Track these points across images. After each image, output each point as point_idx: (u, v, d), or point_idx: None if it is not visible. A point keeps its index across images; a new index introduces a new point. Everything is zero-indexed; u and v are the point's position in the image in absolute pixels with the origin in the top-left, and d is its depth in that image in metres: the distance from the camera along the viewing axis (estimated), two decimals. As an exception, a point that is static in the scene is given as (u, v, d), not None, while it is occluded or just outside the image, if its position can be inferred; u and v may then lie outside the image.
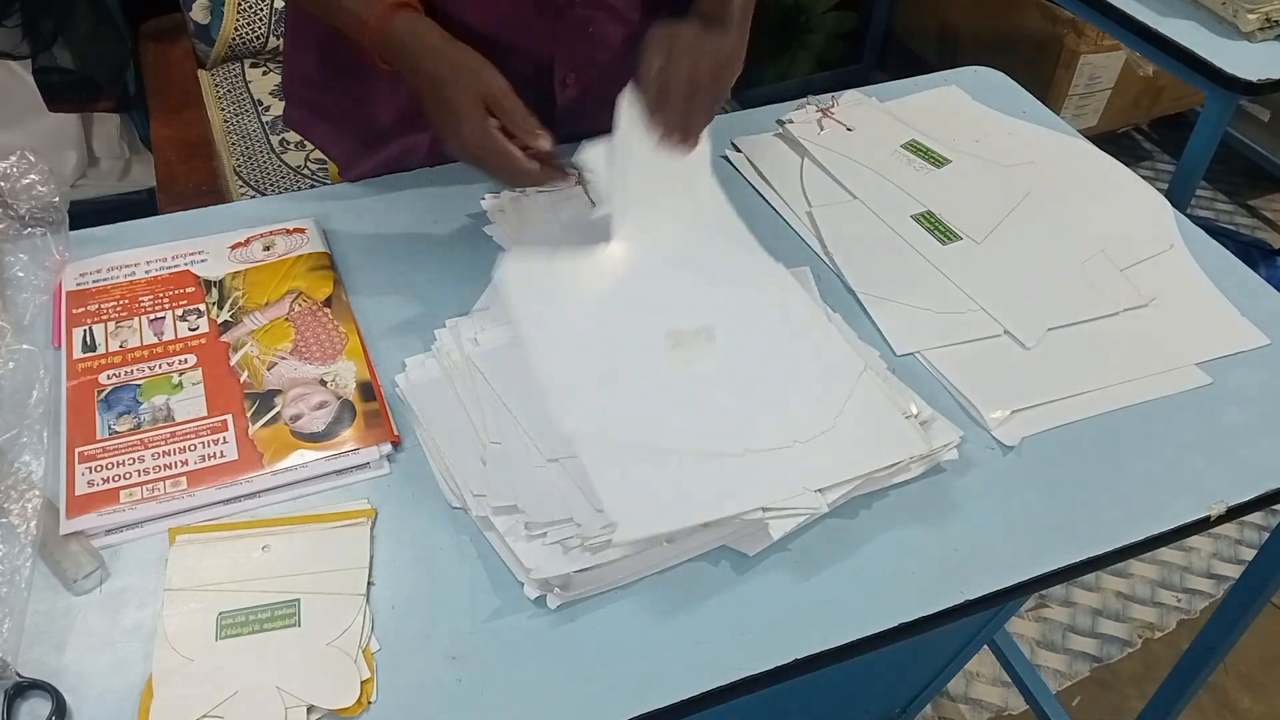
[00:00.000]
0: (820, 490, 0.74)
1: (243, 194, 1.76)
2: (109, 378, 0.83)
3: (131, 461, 0.76)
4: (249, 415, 0.80)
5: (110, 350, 0.85)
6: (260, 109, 1.95)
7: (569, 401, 0.78)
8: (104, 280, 0.92)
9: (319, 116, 1.11)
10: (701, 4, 0.93)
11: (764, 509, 0.73)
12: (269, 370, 0.84)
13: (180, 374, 0.83)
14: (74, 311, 0.89)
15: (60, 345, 0.86)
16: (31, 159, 0.95)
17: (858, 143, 1.13)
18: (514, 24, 0.97)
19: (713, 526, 0.72)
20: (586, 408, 0.78)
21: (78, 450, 0.77)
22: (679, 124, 0.89)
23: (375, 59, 0.89)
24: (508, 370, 0.81)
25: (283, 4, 2.05)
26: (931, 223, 1.04)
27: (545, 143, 0.87)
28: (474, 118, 0.84)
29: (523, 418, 0.78)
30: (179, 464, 0.76)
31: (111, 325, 0.88)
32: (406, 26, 0.87)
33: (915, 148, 1.12)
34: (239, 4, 2.01)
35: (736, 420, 0.79)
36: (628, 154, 0.88)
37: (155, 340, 0.86)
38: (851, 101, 1.19)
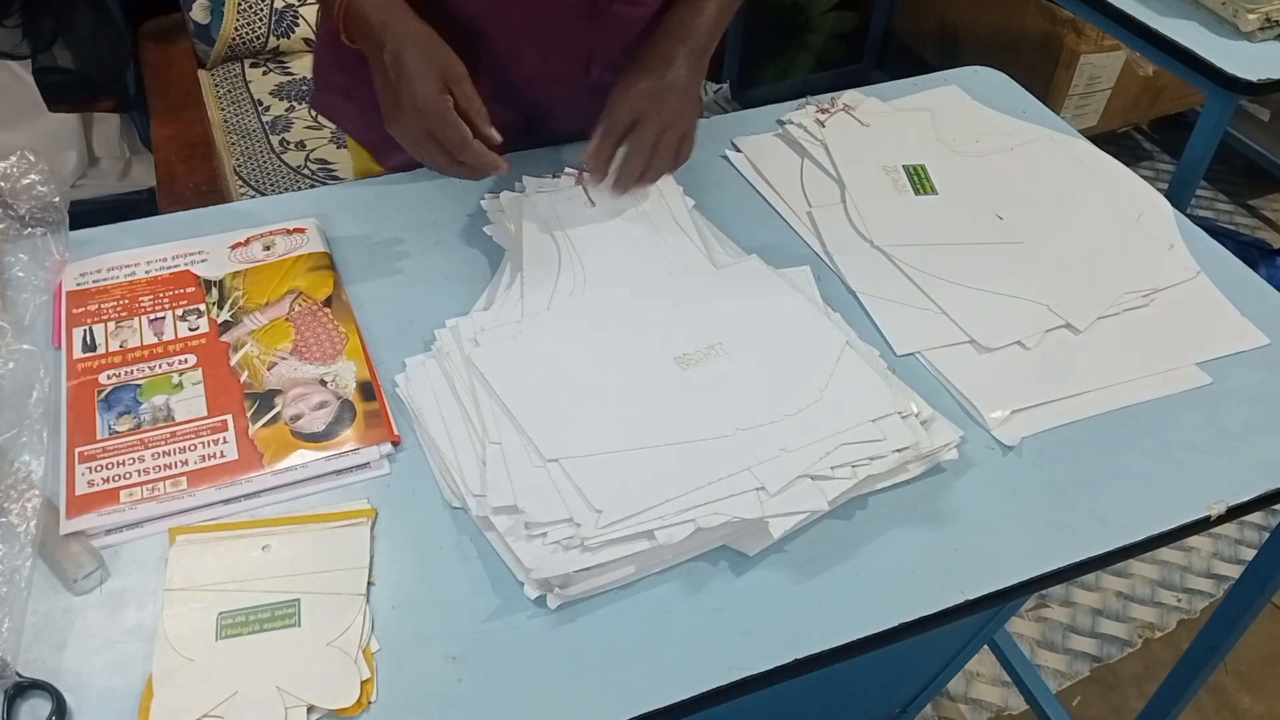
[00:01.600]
0: (813, 477, 0.75)
1: (243, 194, 1.76)
2: (109, 378, 0.83)
3: (131, 461, 0.76)
4: (249, 415, 0.80)
5: (110, 350, 0.85)
6: (260, 109, 1.95)
7: (555, 436, 0.78)
8: (104, 280, 0.92)
9: (350, 103, 1.10)
10: (655, 47, 0.96)
11: (760, 488, 0.74)
12: (269, 370, 0.84)
13: (180, 374, 0.83)
14: (74, 311, 0.89)
15: (60, 345, 0.86)
16: (31, 159, 0.94)
17: (857, 147, 1.13)
18: (554, 22, 0.98)
19: (713, 529, 0.72)
20: (573, 437, 0.78)
21: (78, 450, 0.77)
22: (640, 178, 0.96)
23: (342, 35, 0.90)
24: (508, 370, 0.82)
25: (283, 5, 2.05)
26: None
27: (494, 135, 0.87)
28: (432, 88, 0.84)
29: (523, 418, 0.78)
30: (179, 464, 0.76)
31: (111, 325, 0.88)
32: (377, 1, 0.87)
33: (907, 171, 1.10)
34: (239, 4, 2.01)
35: (728, 407, 0.80)
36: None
37: (155, 340, 0.86)
38: (857, 100, 1.19)
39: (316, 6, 1.11)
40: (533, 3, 0.95)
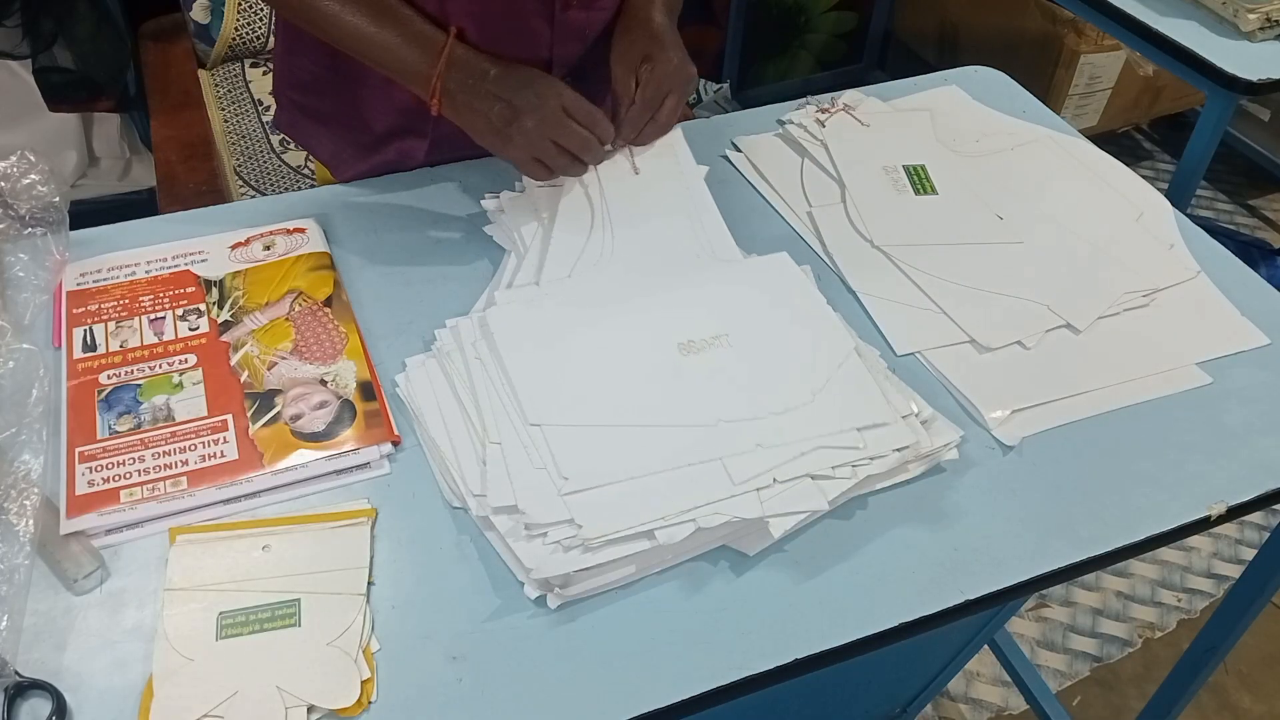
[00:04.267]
0: (813, 477, 0.75)
1: (243, 194, 1.77)
2: (109, 377, 0.83)
3: (132, 461, 0.76)
4: (249, 415, 0.80)
5: (110, 350, 0.85)
6: (260, 109, 1.95)
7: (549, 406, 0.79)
8: (104, 280, 0.92)
9: (312, 120, 1.11)
10: (653, 27, 1.00)
11: (759, 489, 0.74)
12: (269, 370, 0.84)
13: (180, 374, 0.83)
14: (74, 311, 0.89)
15: (60, 345, 0.86)
16: (31, 159, 0.94)
17: (857, 147, 1.13)
18: (512, 29, 0.98)
19: (713, 529, 0.72)
20: (560, 406, 0.79)
21: (78, 450, 0.77)
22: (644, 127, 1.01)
23: (430, 104, 0.93)
24: (516, 335, 0.83)
25: (283, 4, 2.05)
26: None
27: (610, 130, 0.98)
28: (564, 122, 0.93)
29: (517, 380, 0.79)
30: (179, 464, 0.76)
31: (112, 325, 0.88)
32: (465, 59, 0.92)
33: (907, 171, 1.10)
34: (239, 4, 2.00)
35: (716, 398, 0.80)
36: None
37: (155, 340, 0.86)
38: (857, 100, 1.19)
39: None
40: (492, 10, 0.96)
